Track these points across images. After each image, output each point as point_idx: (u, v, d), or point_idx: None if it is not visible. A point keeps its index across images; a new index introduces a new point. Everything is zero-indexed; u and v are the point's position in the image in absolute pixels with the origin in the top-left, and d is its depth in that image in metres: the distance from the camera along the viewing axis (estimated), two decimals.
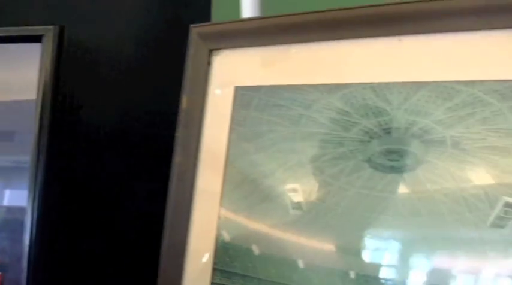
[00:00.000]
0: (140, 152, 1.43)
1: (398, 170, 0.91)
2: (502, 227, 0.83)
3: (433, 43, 0.90)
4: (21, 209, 1.31)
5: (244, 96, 1.11)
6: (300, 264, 0.98)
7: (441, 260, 0.86)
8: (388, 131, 0.92)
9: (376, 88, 0.95)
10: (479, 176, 0.84)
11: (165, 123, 1.27)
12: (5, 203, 1.42)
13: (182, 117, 1.17)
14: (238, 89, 1.11)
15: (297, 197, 1.00)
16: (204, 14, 1.52)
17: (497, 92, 0.87)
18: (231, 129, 1.10)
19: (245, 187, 1.07)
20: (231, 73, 1.14)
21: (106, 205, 1.46)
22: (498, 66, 0.85)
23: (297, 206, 1.00)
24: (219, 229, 1.10)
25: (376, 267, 0.91)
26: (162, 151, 1.20)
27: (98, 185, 1.48)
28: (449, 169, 0.86)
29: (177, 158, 1.16)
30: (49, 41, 1.35)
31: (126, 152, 1.44)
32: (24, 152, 1.34)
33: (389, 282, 0.90)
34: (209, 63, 1.15)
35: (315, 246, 0.98)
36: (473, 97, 0.89)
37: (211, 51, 1.16)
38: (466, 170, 0.85)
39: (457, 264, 0.85)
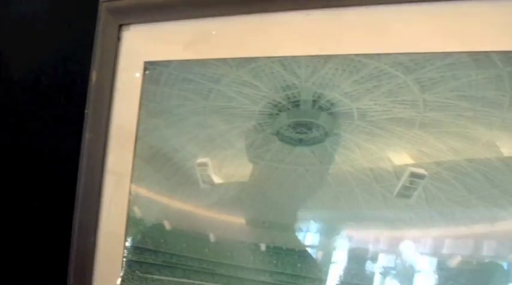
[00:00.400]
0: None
1: (306, 142, 0.87)
2: (407, 197, 0.82)
3: (341, 17, 0.87)
4: None
5: (154, 71, 1.05)
6: (212, 238, 0.92)
7: (350, 230, 0.82)
8: (296, 104, 0.87)
9: (285, 62, 0.90)
10: (386, 147, 0.80)
11: None
12: None
13: (91, 93, 1.08)
14: (147, 64, 1.05)
15: (208, 171, 0.93)
16: None
17: (402, 65, 0.85)
18: (141, 105, 1.04)
19: (156, 162, 1.01)
20: (140, 48, 1.08)
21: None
22: (403, 39, 0.84)
23: (208, 180, 0.94)
24: (130, 205, 1.03)
25: (287, 239, 0.86)
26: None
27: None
28: (356, 140, 0.82)
29: (87, 135, 1.08)
30: None
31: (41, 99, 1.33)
32: None
33: (300, 254, 0.84)
34: (119, 39, 1.09)
35: (226, 219, 0.93)
36: (378, 70, 0.86)
37: (120, 26, 1.09)
38: (373, 142, 0.81)
39: (365, 233, 0.80)
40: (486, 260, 0.74)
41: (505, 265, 0.72)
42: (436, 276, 0.76)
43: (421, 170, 0.78)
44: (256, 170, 0.91)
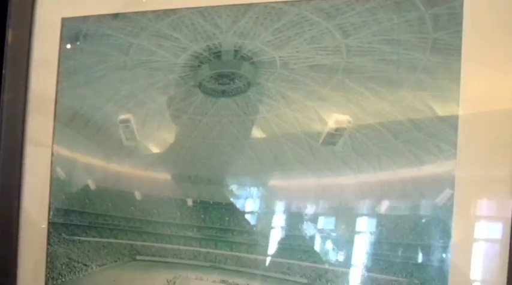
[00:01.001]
0: None
1: (229, 93, 0.77)
2: (333, 144, 0.77)
3: None
4: None
5: (72, 28, 0.96)
6: (137, 195, 0.82)
7: (277, 181, 0.74)
8: (218, 55, 0.78)
9: (205, 12, 0.82)
10: (310, 95, 0.72)
11: None
12: None
13: (9, 53, 0.96)
14: (65, 21, 0.92)
15: (130, 128, 0.82)
16: None
17: (323, 11, 0.78)
18: (60, 63, 0.95)
19: (77, 121, 0.91)
20: (57, 5, 0.95)
21: None
22: None
23: (131, 137, 0.83)
24: (53, 166, 0.92)
25: (213, 192, 0.77)
26: None
27: None
28: (279, 89, 0.74)
29: (6, 96, 0.95)
30: None
31: None
32: None
33: (227, 207, 0.76)
34: None
35: (151, 176, 0.83)
36: (300, 17, 0.79)
37: None
38: (297, 90, 0.74)
39: (293, 183, 0.71)
40: (414, 204, 0.65)
41: (432, 208, 0.63)
42: (365, 222, 0.67)
43: (346, 117, 0.70)
44: (180, 124, 0.80)
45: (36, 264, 0.93)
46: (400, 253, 0.68)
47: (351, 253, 0.71)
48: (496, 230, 0.64)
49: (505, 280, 0.63)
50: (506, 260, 0.63)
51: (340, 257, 0.71)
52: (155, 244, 0.83)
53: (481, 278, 0.64)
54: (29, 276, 0.94)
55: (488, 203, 0.64)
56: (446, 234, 0.66)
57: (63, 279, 0.91)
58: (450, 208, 0.67)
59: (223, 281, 0.78)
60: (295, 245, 0.74)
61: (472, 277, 0.65)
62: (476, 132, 0.65)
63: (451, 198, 0.66)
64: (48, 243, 0.93)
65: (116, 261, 0.86)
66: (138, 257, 0.84)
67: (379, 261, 0.69)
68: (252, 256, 0.76)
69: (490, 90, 0.66)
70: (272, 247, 0.75)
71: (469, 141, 0.65)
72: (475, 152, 0.65)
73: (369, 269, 0.69)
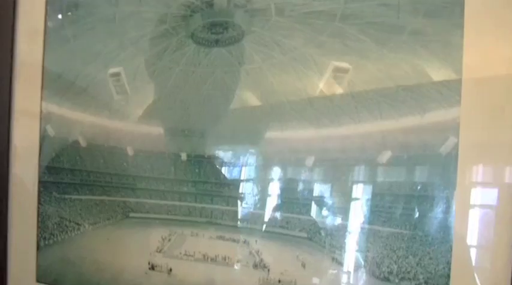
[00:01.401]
0: None
1: (223, 43, 0.74)
2: (332, 93, 0.74)
3: None
4: None
5: None
6: (129, 151, 0.79)
7: (274, 132, 0.71)
8: (210, 3, 0.75)
9: None
10: (307, 43, 0.69)
11: None
12: None
13: None
14: None
15: (121, 82, 0.79)
16: None
17: None
18: (47, 16, 0.87)
19: (66, 77, 0.85)
20: None
21: None
22: None
23: (122, 90, 0.79)
24: (42, 124, 0.87)
25: (208, 146, 0.74)
26: None
27: None
28: (275, 37, 0.71)
29: None
30: None
31: None
32: None
33: (223, 161, 0.72)
34: None
35: (143, 131, 0.80)
36: None
37: None
38: (292, 38, 0.71)
39: (289, 134, 0.69)
40: (417, 154, 0.62)
41: (436, 158, 0.60)
42: (367, 173, 0.64)
43: (345, 64, 0.66)
44: (172, 76, 0.76)
45: (27, 224, 0.91)
46: (402, 205, 0.65)
47: (352, 206, 0.68)
48: (502, 178, 0.61)
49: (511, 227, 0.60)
50: None
51: (341, 210, 0.68)
52: (149, 201, 0.80)
53: (487, 228, 0.61)
54: (20, 237, 0.92)
55: (494, 150, 0.61)
56: (450, 184, 0.63)
57: (55, 239, 0.88)
58: (455, 157, 0.63)
59: (219, 237, 0.75)
60: (294, 198, 0.71)
61: (477, 227, 0.61)
62: (482, 76, 0.61)
63: (455, 147, 0.62)
64: (39, 203, 0.90)
65: (108, 219, 0.83)
66: (131, 215, 0.82)
67: (381, 213, 0.66)
68: (249, 211, 0.73)
69: (494, 33, 0.62)
70: (270, 201, 0.72)
71: (475, 85, 0.61)
72: (481, 98, 0.62)
73: (370, 222, 0.67)
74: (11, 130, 0.93)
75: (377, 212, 0.67)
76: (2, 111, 0.91)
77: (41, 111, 0.90)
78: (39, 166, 0.90)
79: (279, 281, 0.72)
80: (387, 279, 0.66)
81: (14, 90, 0.92)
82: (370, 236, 0.67)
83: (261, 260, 0.73)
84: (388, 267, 0.66)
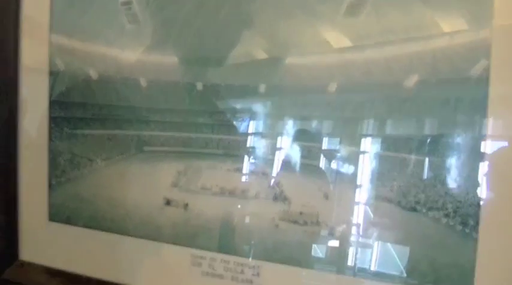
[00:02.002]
0: None
1: None
2: (356, 15, 0.70)
3: None
4: None
5: None
6: (143, 82, 0.76)
7: (293, 58, 0.71)
8: None
9: None
10: None
11: None
12: None
13: None
14: None
15: (133, 10, 0.75)
16: None
17: None
18: None
19: (76, 6, 0.80)
20: None
21: None
22: None
23: (134, 19, 0.76)
24: (51, 57, 0.84)
25: (225, 74, 0.71)
26: None
27: None
28: None
29: None
30: None
31: None
32: None
33: (240, 89, 0.72)
34: None
35: (156, 61, 0.77)
36: None
37: None
38: None
39: (310, 59, 0.66)
40: (445, 78, 0.58)
41: (465, 81, 0.57)
42: (393, 98, 0.61)
43: None
44: (186, 2, 0.73)
45: (38, 162, 0.88)
46: (430, 130, 0.61)
47: (376, 134, 0.64)
48: None
49: None
50: None
51: (367, 138, 0.65)
52: (163, 133, 0.77)
53: None
54: (31, 175, 0.89)
55: None
56: (481, 109, 0.59)
57: (67, 176, 0.86)
58: (485, 81, 0.60)
59: (237, 169, 0.72)
60: (313, 128, 0.67)
61: (507, 152, 0.58)
62: None
63: (486, 69, 0.58)
64: (50, 140, 0.87)
65: (122, 154, 0.80)
66: (145, 148, 0.79)
67: (407, 140, 0.63)
68: (268, 141, 0.69)
69: None
70: (289, 129, 0.69)
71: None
72: None
73: (396, 149, 0.65)
74: (19, 65, 0.89)
75: (403, 139, 0.63)
76: (10, 44, 0.87)
77: (50, 44, 0.85)
78: (50, 101, 0.86)
79: (301, 213, 0.69)
80: (414, 209, 0.63)
81: (22, 21, 0.88)
82: (396, 164, 0.64)
83: (281, 192, 0.70)
84: (415, 196, 0.63)
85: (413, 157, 0.64)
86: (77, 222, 0.86)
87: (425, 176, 0.63)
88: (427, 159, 0.63)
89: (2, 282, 0.91)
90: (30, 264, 0.92)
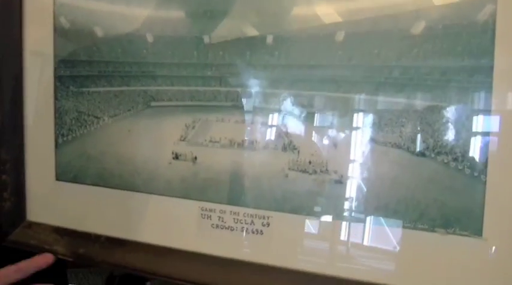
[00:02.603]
0: None
1: None
2: None
3: None
4: None
5: None
6: (149, 38, 0.77)
7: (300, 8, 0.71)
8: None
9: None
10: None
11: None
12: None
13: None
14: None
15: None
16: None
17: None
18: None
19: None
20: None
21: None
22: None
23: None
24: (56, 16, 0.85)
25: (232, 27, 0.75)
26: None
27: None
28: None
29: None
30: None
31: None
32: None
33: (248, 41, 0.79)
34: None
35: (162, 15, 0.79)
36: None
37: None
38: None
39: (317, 9, 0.66)
40: (451, 23, 0.60)
41: (471, 27, 0.58)
42: (400, 45, 0.62)
43: None
44: None
45: (44, 121, 0.89)
46: (438, 77, 0.63)
47: (385, 80, 0.66)
48: None
49: None
50: None
51: (373, 85, 0.67)
52: (171, 88, 0.78)
53: None
54: (37, 135, 0.90)
55: None
56: (488, 54, 0.61)
57: (74, 135, 0.87)
58: (492, 26, 0.63)
59: (245, 121, 0.74)
60: (324, 75, 0.69)
61: None
62: None
63: (493, 14, 0.60)
64: (56, 99, 0.88)
65: (129, 111, 0.82)
66: (153, 104, 0.80)
67: (416, 86, 0.65)
68: (277, 91, 0.71)
69: None
70: (298, 79, 0.70)
71: None
72: None
73: (406, 96, 0.67)
74: (24, 22, 0.90)
75: (412, 85, 0.65)
76: (13, 11, 0.88)
77: (54, 3, 0.86)
78: (55, 60, 0.87)
79: (310, 162, 0.70)
80: (423, 155, 0.65)
81: None
82: (405, 111, 0.65)
83: (290, 141, 0.71)
84: (423, 142, 0.64)
85: (421, 102, 0.65)
86: (85, 180, 0.87)
87: (433, 121, 0.64)
88: (435, 104, 0.64)
89: (10, 243, 0.92)
90: (38, 225, 0.93)
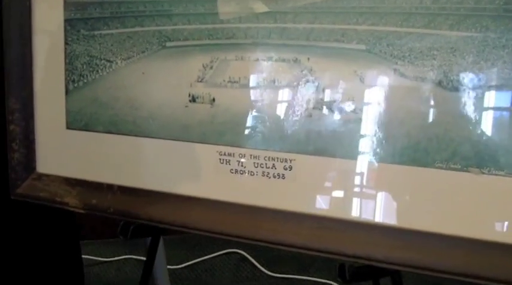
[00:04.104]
0: None
1: None
2: None
3: None
4: None
5: None
6: None
7: None
8: None
9: None
10: None
11: None
12: None
13: None
14: None
15: None
16: None
17: None
18: None
19: None
20: None
21: None
22: None
23: None
24: None
25: None
26: None
27: None
28: None
29: None
30: None
31: None
32: None
33: None
34: None
35: None
36: None
37: None
38: None
39: None
40: None
41: None
42: None
43: None
44: None
45: (53, 67, 0.88)
46: (472, 4, 0.61)
47: (414, 10, 0.64)
48: None
49: None
50: None
51: (399, 16, 0.64)
52: (187, 26, 0.77)
53: None
54: (46, 82, 0.89)
55: None
56: None
57: (85, 81, 0.86)
58: None
59: (266, 58, 0.72)
60: (350, 7, 0.67)
61: None
62: None
63: None
64: (66, 43, 0.86)
65: (143, 52, 0.80)
66: (168, 44, 0.79)
67: (448, 15, 0.62)
68: (299, 26, 0.69)
69: None
70: (322, 13, 0.68)
71: None
72: None
73: (436, 26, 0.63)
74: None
75: (443, 14, 0.63)
76: None
77: None
78: (64, 2, 0.86)
79: (335, 101, 0.69)
80: (456, 89, 0.63)
81: None
82: (436, 41, 0.63)
83: (315, 79, 0.70)
84: (457, 75, 0.62)
85: (454, 33, 0.63)
86: (96, 128, 0.86)
87: (467, 53, 0.62)
88: (468, 34, 0.62)
89: (19, 197, 0.91)
90: (48, 176, 0.93)
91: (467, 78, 0.63)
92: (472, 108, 0.63)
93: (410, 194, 0.66)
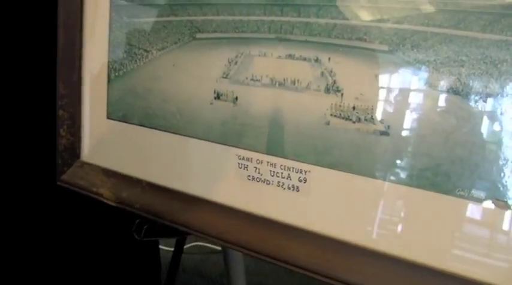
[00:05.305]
0: None
1: None
2: None
3: None
4: None
5: None
6: None
7: None
8: None
9: None
10: None
11: None
12: None
13: None
14: None
15: None
16: None
17: None
18: None
19: None
20: None
21: None
22: None
23: None
24: None
25: None
26: None
27: None
28: None
29: None
30: None
31: None
32: None
33: None
34: None
35: None
36: None
37: None
38: None
39: None
40: None
41: None
42: None
43: None
44: None
45: (98, 55, 0.89)
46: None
47: (446, 6, 0.56)
48: None
49: None
50: None
51: (424, 15, 0.56)
52: (215, 17, 0.74)
53: None
54: (92, 70, 0.91)
55: None
56: None
57: (125, 70, 0.86)
58: None
59: (289, 56, 0.67)
60: (374, 7, 0.60)
61: None
62: None
63: None
64: (110, 30, 0.86)
65: (176, 43, 0.78)
66: (198, 35, 0.76)
67: (481, 14, 0.53)
68: (322, 21, 0.63)
69: None
70: (347, 9, 0.62)
71: None
72: None
73: (465, 27, 0.58)
74: None
75: (475, 13, 0.54)
76: None
77: None
78: None
79: (354, 108, 0.62)
80: (485, 101, 0.54)
81: None
82: (465, 46, 0.55)
83: (334, 82, 0.64)
84: (486, 87, 0.54)
85: (486, 35, 0.54)
86: (132, 119, 0.85)
87: (500, 60, 0.53)
88: (503, 38, 0.53)
89: (63, 183, 0.92)
90: (89, 165, 0.94)
91: (498, 93, 0.53)
92: (502, 129, 0.54)
93: (426, 224, 0.61)
